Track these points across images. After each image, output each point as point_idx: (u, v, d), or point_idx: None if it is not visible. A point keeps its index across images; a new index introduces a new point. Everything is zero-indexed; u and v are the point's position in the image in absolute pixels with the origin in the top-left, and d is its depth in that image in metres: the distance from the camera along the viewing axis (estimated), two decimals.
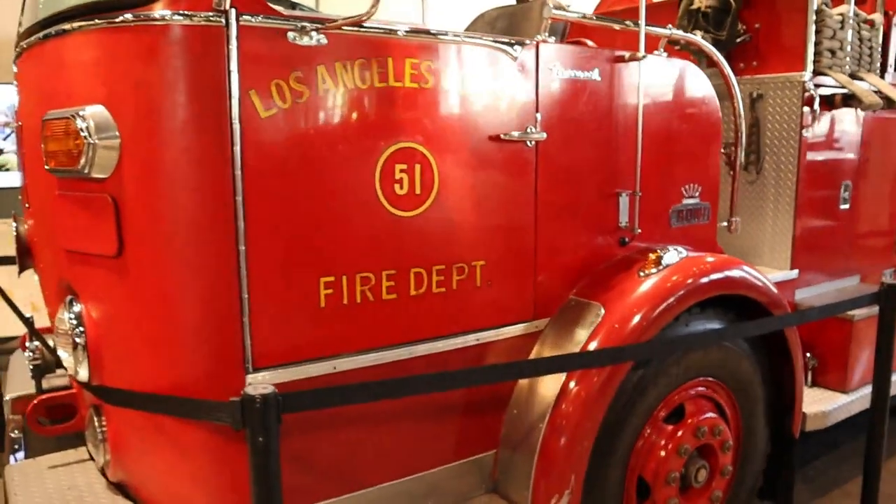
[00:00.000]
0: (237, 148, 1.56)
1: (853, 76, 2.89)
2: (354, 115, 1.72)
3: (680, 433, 2.23)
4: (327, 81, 1.67)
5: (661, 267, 2.18)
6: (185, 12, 1.51)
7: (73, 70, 1.68)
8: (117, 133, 1.56)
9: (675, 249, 2.26)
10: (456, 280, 1.93)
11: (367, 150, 1.74)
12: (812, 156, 2.83)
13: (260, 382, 1.59)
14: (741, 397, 2.43)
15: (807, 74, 2.77)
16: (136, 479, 1.82)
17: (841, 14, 2.83)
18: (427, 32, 1.82)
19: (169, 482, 1.76)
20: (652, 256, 2.22)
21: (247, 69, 1.55)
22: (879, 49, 3.04)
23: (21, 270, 2.29)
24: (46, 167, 1.72)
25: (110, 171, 1.58)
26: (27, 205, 2.09)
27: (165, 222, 1.59)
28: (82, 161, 1.57)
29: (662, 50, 2.33)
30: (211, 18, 1.52)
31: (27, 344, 2.49)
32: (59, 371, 2.42)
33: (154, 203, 1.59)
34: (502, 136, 1.96)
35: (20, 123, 2.06)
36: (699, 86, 2.43)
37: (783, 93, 2.80)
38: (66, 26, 1.65)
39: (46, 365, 2.47)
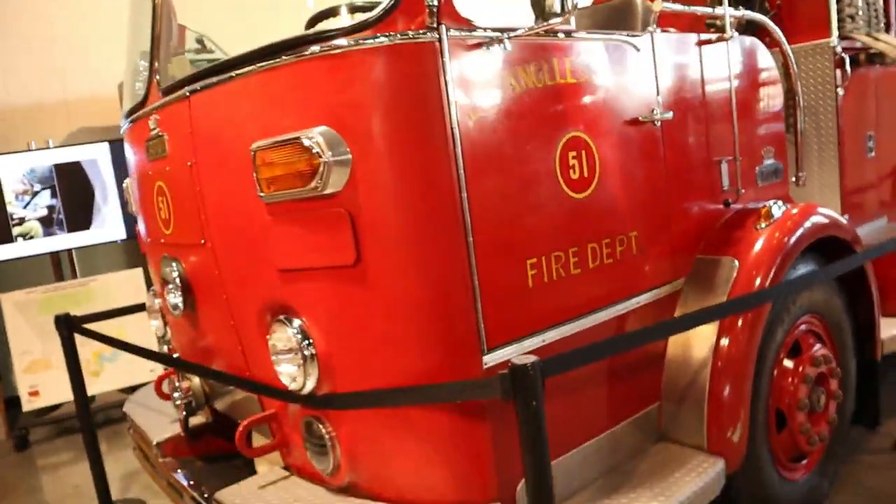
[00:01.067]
0: (458, 151, 1.72)
1: (869, 36, 3.24)
2: (537, 112, 1.90)
3: (803, 365, 2.49)
4: (514, 84, 1.85)
5: (772, 220, 2.44)
6: (402, 32, 1.66)
7: (283, 100, 1.79)
8: (348, 150, 1.70)
9: (776, 204, 2.52)
10: (619, 250, 2.14)
11: (550, 141, 1.93)
12: (846, 112, 3.16)
13: (508, 357, 1.75)
14: (835, 329, 2.71)
15: (834, 40, 3.10)
16: (372, 478, 1.92)
17: None
18: (573, 34, 2.01)
19: (412, 471, 1.88)
20: (763, 211, 2.47)
21: (458, 79, 1.71)
22: (882, 11, 3.41)
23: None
24: (261, 194, 1.82)
25: (341, 187, 1.71)
26: (203, 241, 2.16)
27: (400, 227, 1.73)
28: (316, 179, 1.70)
29: (732, 30, 2.59)
30: (424, 36, 1.67)
31: (173, 384, 2.56)
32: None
33: (388, 211, 1.72)
34: (640, 118, 2.18)
35: (191, 164, 2.13)
36: (766, 61, 2.72)
37: (815, 59, 3.12)
38: (268, 61, 1.77)
39: (197, 403, 2.55)
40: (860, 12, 3.22)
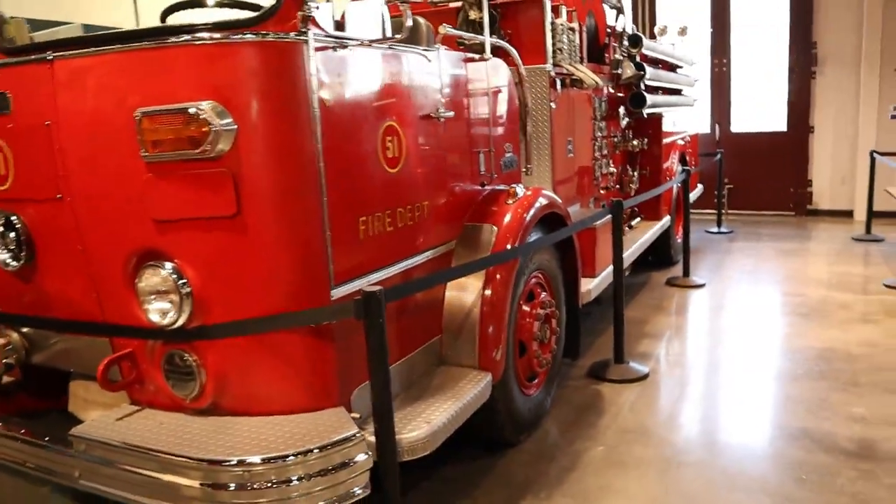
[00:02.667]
0: (318, 129, 2.21)
1: (572, 65, 4.32)
2: (368, 102, 2.46)
3: (535, 308, 3.37)
4: (353, 79, 2.38)
5: (517, 197, 3.28)
6: (280, 33, 2.11)
7: (171, 76, 2.09)
8: (233, 121, 2.08)
9: (519, 186, 3.37)
10: (416, 215, 2.77)
11: (375, 127, 2.49)
12: (556, 121, 4.19)
13: (346, 292, 2.29)
14: (554, 282, 3.67)
15: (549, 66, 4.10)
16: (234, 397, 2.29)
17: (561, 23, 4.21)
18: (393, 46, 2.60)
19: (270, 386, 2.30)
20: (510, 191, 3.30)
21: (319, 72, 2.20)
22: (578, 46, 4.53)
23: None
24: (144, 153, 2.11)
25: (226, 151, 2.09)
26: (59, 196, 2.31)
27: (273, 186, 2.16)
28: (206, 144, 2.05)
29: (489, 52, 3.39)
30: (298, 36, 2.14)
31: None
32: None
33: (263, 173, 2.15)
34: (431, 114, 2.84)
35: (49, 123, 2.27)
36: (509, 77, 3.57)
37: (536, 79, 4.08)
38: (171, 39, 2.08)
39: (17, 359, 2.63)
40: (566, 46, 4.28)
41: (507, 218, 3.18)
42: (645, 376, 4.15)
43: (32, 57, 2.27)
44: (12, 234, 2.46)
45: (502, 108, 3.52)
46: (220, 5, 2.49)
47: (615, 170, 5.45)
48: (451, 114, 2.96)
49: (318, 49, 2.19)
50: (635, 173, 5.84)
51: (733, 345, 4.69)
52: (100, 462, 2.23)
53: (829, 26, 8.62)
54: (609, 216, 4.09)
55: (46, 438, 2.42)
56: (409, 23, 2.40)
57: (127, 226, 2.24)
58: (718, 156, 8.08)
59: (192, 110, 2.05)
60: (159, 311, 2.23)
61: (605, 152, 5.21)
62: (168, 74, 2.11)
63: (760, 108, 9.33)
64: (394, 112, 2.61)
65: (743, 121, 9.47)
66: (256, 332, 2.23)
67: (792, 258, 7.06)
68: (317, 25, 2.20)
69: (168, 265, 2.21)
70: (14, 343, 2.63)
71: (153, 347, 2.35)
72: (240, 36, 2.08)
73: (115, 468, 2.21)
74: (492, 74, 3.40)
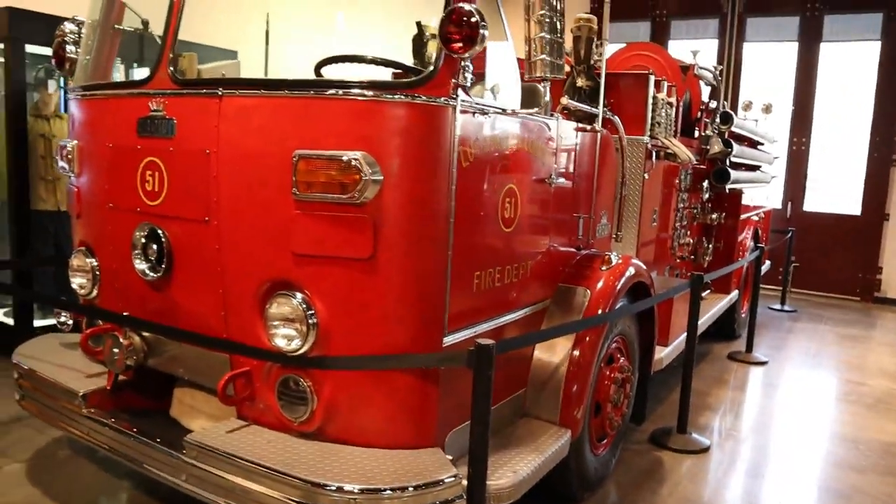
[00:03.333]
0: (453, 188, 2.37)
1: (667, 139, 4.44)
2: (496, 165, 2.62)
3: (614, 371, 3.47)
4: (488, 143, 2.55)
5: (611, 265, 3.40)
6: (433, 97, 2.29)
7: (329, 123, 2.29)
8: (380, 172, 2.26)
9: (614, 254, 3.48)
10: (521, 273, 2.92)
11: (499, 188, 2.65)
12: (647, 192, 4.31)
13: (468, 337, 2.43)
14: (631, 348, 3.76)
15: (646, 138, 4.23)
16: (341, 425, 2.44)
17: (661, 98, 4.36)
18: (520, 114, 2.77)
19: (376, 420, 2.44)
20: (605, 258, 3.42)
21: (460, 135, 2.38)
22: (673, 121, 4.66)
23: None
24: (296, 191, 2.30)
25: (370, 199, 2.27)
26: (207, 219, 2.52)
27: (407, 235, 2.33)
28: (355, 190, 2.24)
29: (600, 122, 3.53)
30: (447, 101, 2.32)
31: (113, 340, 2.80)
32: None
33: (401, 222, 2.32)
34: (545, 179, 3.00)
35: (209, 152, 2.49)
36: (613, 148, 3.71)
37: (632, 149, 4.22)
38: (331, 91, 2.29)
39: (137, 360, 2.83)
40: (663, 120, 4.41)
41: (601, 284, 3.29)
42: (706, 448, 4.18)
43: (203, 91, 2.49)
44: (155, 247, 2.68)
45: (604, 177, 3.66)
46: (374, 63, 2.70)
47: (692, 241, 5.53)
48: (562, 180, 3.11)
49: (462, 112, 2.37)
50: (710, 246, 5.90)
51: (796, 427, 4.68)
52: (209, 469, 2.40)
53: None
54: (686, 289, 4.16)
55: (158, 440, 2.60)
56: (547, 98, 2.56)
57: (266, 254, 2.43)
58: (790, 234, 8.05)
59: (346, 158, 2.23)
60: (285, 337, 2.40)
61: (684, 223, 5.30)
62: (326, 123, 2.31)
63: (835, 189, 9.28)
64: (515, 175, 2.77)
65: (816, 200, 9.43)
66: (373, 368, 2.38)
67: (857, 345, 6.99)
68: (465, 91, 2.37)
69: (299, 295, 2.39)
70: (136, 346, 2.83)
71: (270, 369, 2.52)
72: (396, 96, 2.27)
73: (222, 476, 2.37)
74: (600, 145, 3.55)
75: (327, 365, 2.40)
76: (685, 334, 4.30)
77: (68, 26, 3.31)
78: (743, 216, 6.24)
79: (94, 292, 3.06)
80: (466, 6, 2.21)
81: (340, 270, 2.35)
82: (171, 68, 2.62)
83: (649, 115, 4.24)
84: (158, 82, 2.64)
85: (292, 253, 2.37)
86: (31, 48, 4.91)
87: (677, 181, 5.03)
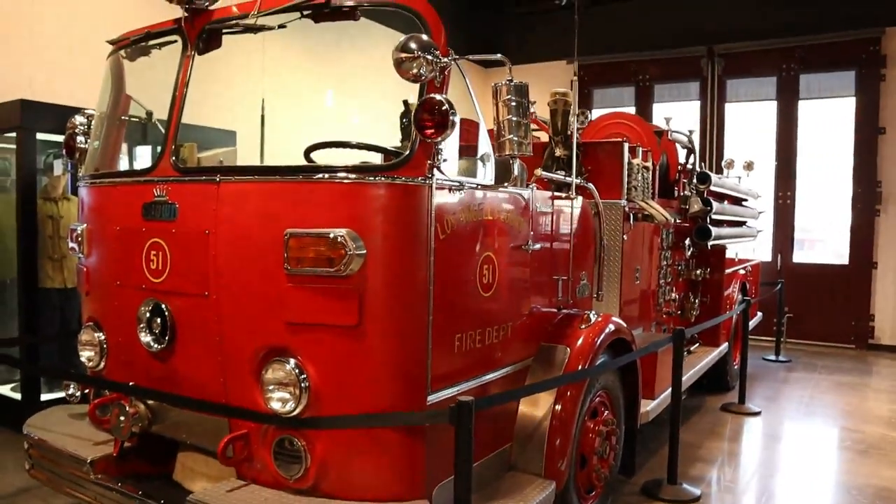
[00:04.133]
0: (432, 258, 2.60)
1: (644, 201, 4.68)
2: (472, 236, 2.85)
3: (598, 425, 3.61)
4: (463, 216, 2.78)
5: (590, 323, 3.59)
6: (410, 178, 2.54)
7: (314, 204, 2.53)
8: (363, 246, 2.49)
9: (592, 312, 3.68)
10: (501, 334, 3.11)
11: (475, 256, 2.88)
12: (626, 252, 4.53)
13: (451, 396, 2.60)
14: (615, 402, 3.91)
15: (623, 201, 4.48)
16: (333, 480, 2.60)
17: (637, 163, 4.62)
18: (498, 188, 3.02)
19: (366, 474, 2.60)
20: (584, 317, 3.62)
21: (437, 210, 2.61)
22: (650, 183, 4.91)
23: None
24: (287, 267, 2.52)
25: (356, 271, 2.48)
26: (206, 293, 2.74)
27: (390, 304, 2.54)
28: (341, 264, 2.46)
29: (575, 192, 3.77)
30: (424, 181, 2.56)
31: (120, 409, 2.97)
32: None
33: (384, 291, 2.53)
34: (522, 246, 3.22)
35: (208, 232, 2.73)
36: (589, 213, 3.95)
37: (610, 212, 4.45)
38: (319, 176, 2.53)
39: (142, 426, 3.00)
40: (640, 184, 4.66)
41: (580, 341, 3.48)
42: (697, 499, 4.27)
43: (203, 178, 2.75)
44: (159, 320, 2.89)
45: (581, 240, 3.88)
46: (358, 148, 2.96)
47: (677, 296, 5.72)
48: (538, 246, 3.33)
49: (438, 188, 2.61)
50: (696, 300, 6.08)
51: (788, 476, 4.77)
52: None
53: (894, 166, 8.87)
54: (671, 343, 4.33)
55: (162, 501, 2.75)
56: (517, 172, 2.81)
57: (261, 324, 2.64)
58: (779, 285, 8.24)
59: (332, 235, 2.46)
60: (280, 400, 2.59)
61: (668, 280, 5.50)
62: (314, 204, 2.55)
63: (822, 241, 9.51)
64: (492, 244, 3.00)
65: (804, 252, 9.64)
66: (362, 427, 2.55)
67: (851, 392, 7.08)
68: (440, 171, 2.62)
69: (292, 361, 2.58)
70: (140, 413, 3.01)
71: (266, 431, 2.69)
72: (377, 178, 2.51)
73: None
74: (574, 210, 3.78)
75: (319, 425, 2.57)
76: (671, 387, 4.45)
77: (78, 119, 3.61)
78: (728, 270, 6.44)
79: (102, 364, 3.26)
80: (437, 96, 2.47)
81: (329, 337, 2.55)
82: (174, 158, 2.88)
83: (625, 179, 4.49)
84: (162, 170, 2.90)
85: (285, 322, 2.58)
86: (40, 135, 5.24)
87: (659, 240, 5.25)
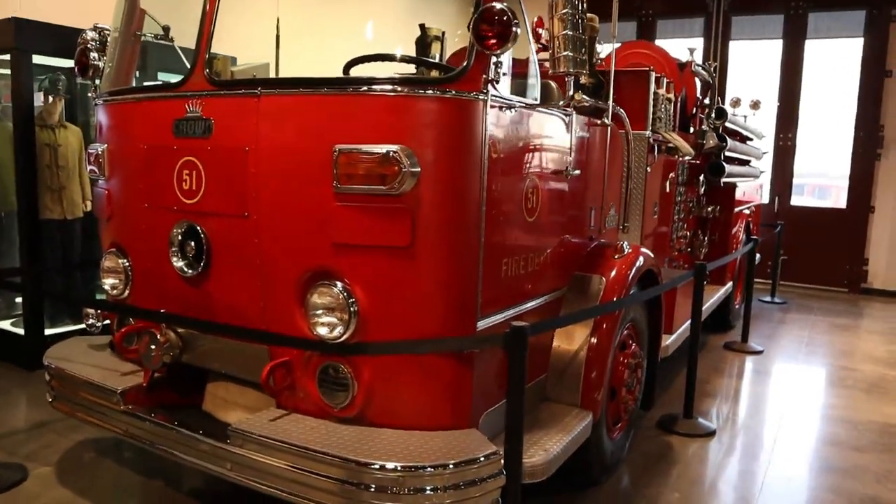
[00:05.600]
0: (485, 178, 2.49)
1: (668, 133, 4.59)
2: (521, 156, 2.75)
3: (627, 357, 3.59)
4: (515, 136, 2.67)
5: (623, 253, 3.53)
6: (466, 92, 2.41)
7: (367, 119, 2.40)
8: (418, 163, 2.37)
9: (624, 243, 3.61)
10: (542, 260, 3.04)
11: (522, 179, 2.78)
12: (649, 184, 4.45)
13: (497, 322, 2.55)
14: (641, 335, 3.89)
15: (648, 132, 4.37)
16: (380, 409, 2.54)
17: (661, 94, 4.50)
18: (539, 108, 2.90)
19: (414, 402, 2.55)
20: (618, 247, 3.55)
21: (490, 126, 2.50)
22: (671, 115, 4.81)
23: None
24: (336, 184, 2.40)
25: (409, 190, 2.38)
26: (246, 214, 2.62)
27: (444, 224, 2.45)
28: (395, 182, 2.34)
29: (609, 118, 3.65)
30: (479, 96, 2.44)
31: (150, 337, 2.87)
32: None
33: (438, 211, 2.43)
34: (563, 171, 3.12)
35: (248, 149, 2.59)
36: (620, 141, 3.85)
37: (636, 144, 4.35)
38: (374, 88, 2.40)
39: (173, 356, 2.90)
40: (663, 115, 4.56)
41: (614, 272, 3.42)
42: (713, 433, 4.31)
43: (242, 91, 2.59)
44: (193, 243, 2.76)
45: (613, 170, 3.79)
46: (404, 61, 2.81)
47: (688, 233, 5.68)
48: (577, 172, 3.23)
49: (491, 107, 2.49)
50: (706, 238, 6.06)
51: (795, 411, 4.83)
52: (254, 456, 2.48)
53: None
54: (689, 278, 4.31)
55: (201, 431, 2.68)
56: (571, 91, 2.69)
57: (306, 246, 2.53)
58: (779, 227, 8.25)
59: (386, 151, 2.34)
60: (327, 325, 2.50)
61: (681, 216, 5.45)
62: (364, 118, 2.42)
63: (822, 183, 9.51)
64: (537, 167, 2.89)
65: (802, 195, 9.66)
66: (413, 353, 2.48)
67: (847, 334, 7.18)
68: (494, 87, 2.49)
69: (339, 284, 2.49)
70: (172, 342, 2.91)
71: (309, 358, 2.61)
72: (430, 91, 2.38)
73: (267, 462, 2.45)
74: (608, 138, 3.68)
75: (369, 351, 2.50)
76: (688, 322, 4.44)
77: (90, 34, 3.40)
78: (736, 209, 6.42)
79: (127, 292, 3.14)
80: (499, 5, 2.33)
81: (380, 259, 2.46)
82: (208, 70, 2.71)
83: (650, 110, 4.38)
84: (194, 84, 2.74)
85: (332, 243, 2.47)
86: (35, 59, 4.98)
87: (675, 175, 5.18)
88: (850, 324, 7.67)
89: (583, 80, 4.21)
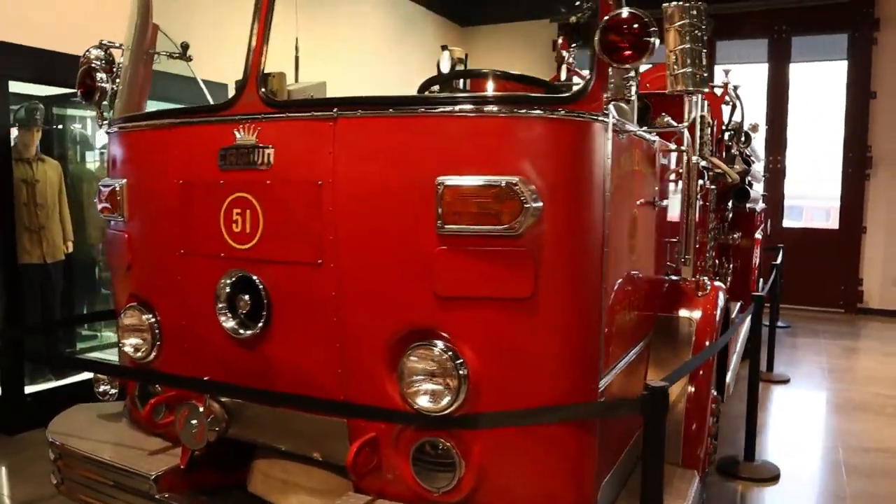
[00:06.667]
0: (607, 213, 2.11)
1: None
2: (630, 187, 2.38)
3: (714, 402, 3.22)
4: (625, 163, 2.31)
5: (706, 291, 3.18)
6: (588, 112, 2.04)
7: (482, 144, 2.00)
8: (539, 198, 1.98)
9: (704, 279, 3.27)
10: (638, 306, 2.66)
11: (629, 214, 2.41)
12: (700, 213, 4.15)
13: (609, 381, 2.17)
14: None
15: (696, 157, 4.07)
16: (492, 490, 2.11)
17: (706, 118, 4.22)
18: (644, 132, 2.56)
19: (532, 480, 2.12)
20: (699, 283, 3.20)
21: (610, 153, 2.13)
22: (709, 141, 4.53)
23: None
24: (440, 224, 1.98)
25: (528, 230, 1.98)
26: (320, 261, 2.16)
27: (567, 269, 2.05)
28: (515, 221, 1.94)
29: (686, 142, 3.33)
30: (600, 118, 2.07)
31: (189, 409, 2.38)
32: None
33: (560, 253, 2.03)
34: (652, 201, 2.77)
35: (321, 183, 2.15)
36: (691, 169, 3.53)
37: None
38: (479, 107, 2.00)
39: (219, 430, 2.42)
40: (707, 140, 4.28)
41: (702, 312, 3.07)
42: (777, 476, 4.00)
43: (312, 114, 2.16)
44: (247, 297, 2.30)
45: (684, 199, 3.46)
46: (503, 78, 2.42)
47: (716, 262, 5.42)
48: (665, 202, 2.89)
49: (614, 131, 2.12)
50: (730, 266, 5.81)
51: (849, 444, 4.55)
52: None
53: (884, 130, 8.84)
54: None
55: None
56: (693, 113, 2.34)
57: (401, 299, 2.10)
58: (780, 250, 8.10)
59: (506, 184, 1.94)
60: (430, 395, 2.07)
61: (711, 244, 5.18)
62: (472, 144, 2.01)
63: (813, 204, 9.46)
64: (638, 197, 2.54)
65: (794, 217, 9.59)
66: (540, 423, 2.07)
67: (863, 357, 7.05)
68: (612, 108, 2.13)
69: (441, 345, 2.06)
70: (216, 415, 2.42)
71: (401, 433, 2.17)
72: (555, 112, 2.00)
73: None
74: (686, 165, 3.35)
75: (482, 423, 2.07)
76: (734, 357, 4.14)
77: (94, 52, 2.93)
78: (756, 235, 6.21)
79: (153, 354, 2.64)
80: (627, 10, 1.98)
81: (494, 313, 2.04)
82: (262, 89, 2.28)
83: (698, 135, 4.09)
84: (247, 105, 2.29)
85: (435, 295, 2.05)
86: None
87: (706, 202, 4.91)
88: (860, 346, 7.54)
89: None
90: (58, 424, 2.85)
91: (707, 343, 2.97)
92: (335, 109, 2.12)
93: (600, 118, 2.06)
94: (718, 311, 3.13)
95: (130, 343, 2.68)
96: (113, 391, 2.88)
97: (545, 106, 2.02)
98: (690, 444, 2.80)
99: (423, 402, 2.08)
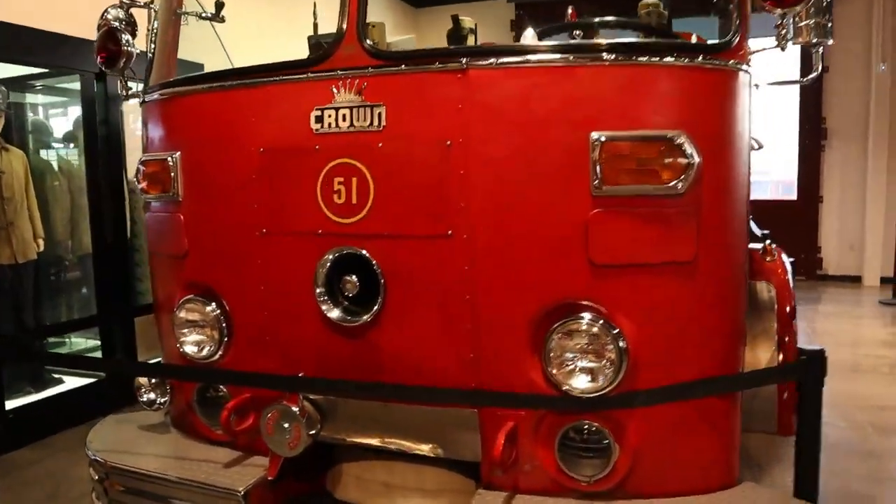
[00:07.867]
0: (749, 170, 1.99)
1: None
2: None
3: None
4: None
5: (774, 255, 3.07)
6: (739, 62, 1.89)
7: (639, 96, 1.83)
8: (698, 154, 1.80)
9: (768, 242, 3.17)
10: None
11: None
12: None
13: None
14: None
15: None
16: (647, 476, 1.94)
17: None
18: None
19: (685, 461, 1.96)
20: (767, 248, 3.09)
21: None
22: None
23: None
24: (596, 185, 1.78)
25: (689, 189, 1.80)
26: (449, 232, 1.91)
27: (726, 227, 1.91)
28: (680, 179, 1.76)
29: None
30: (745, 67, 1.93)
31: (282, 412, 2.09)
32: None
33: (719, 211, 1.89)
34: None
35: (450, 143, 1.90)
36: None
37: None
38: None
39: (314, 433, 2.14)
40: None
41: (779, 275, 2.98)
42: None
43: (436, 65, 1.90)
44: (355, 278, 2.02)
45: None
46: (622, 27, 2.21)
47: None
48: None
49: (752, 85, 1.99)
50: None
51: (863, 405, 4.65)
52: None
53: (838, 103, 9.13)
54: None
55: None
56: (820, 65, 2.21)
57: (548, 271, 1.88)
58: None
59: (671, 138, 1.76)
60: (588, 373, 1.86)
61: None
62: (628, 96, 1.83)
63: (772, 176, 9.72)
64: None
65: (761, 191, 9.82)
66: (702, 396, 1.90)
67: (837, 320, 7.27)
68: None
69: (595, 317, 1.86)
70: (311, 416, 2.13)
71: (543, 420, 1.96)
72: (714, 61, 1.83)
73: None
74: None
75: (637, 402, 1.88)
76: None
77: (112, 12, 2.57)
78: None
79: (220, 352, 2.32)
80: None
81: (655, 280, 1.86)
82: (368, 40, 1.99)
83: None
84: (347, 58, 1.99)
85: (590, 264, 1.84)
86: None
87: None
88: (831, 311, 7.80)
89: None
90: (99, 440, 2.49)
91: (787, 308, 2.88)
92: (464, 59, 1.87)
93: (744, 68, 1.91)
94: (790, 275, 3.05)
95: (191, 340, 2.35)
96: (163, 399, 2.53)
97: (702, 54, 1.85)
98: (784, 412, 2.69)
99: (578, 382, 1.87)
